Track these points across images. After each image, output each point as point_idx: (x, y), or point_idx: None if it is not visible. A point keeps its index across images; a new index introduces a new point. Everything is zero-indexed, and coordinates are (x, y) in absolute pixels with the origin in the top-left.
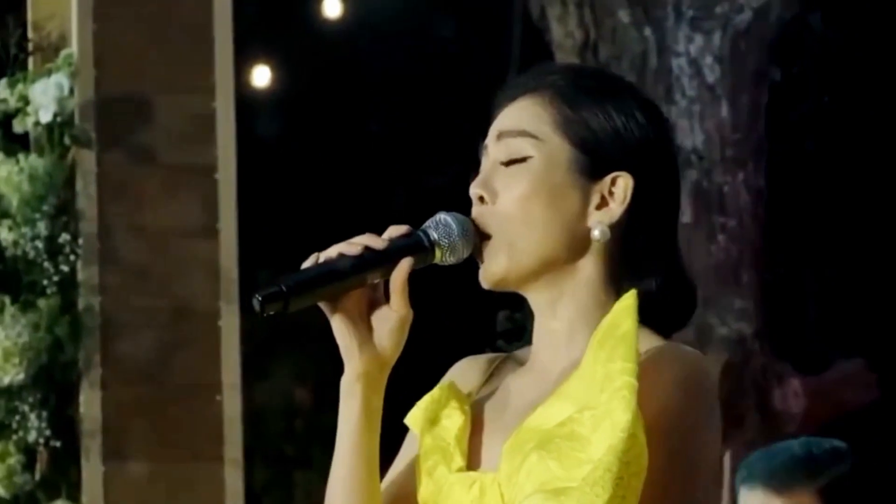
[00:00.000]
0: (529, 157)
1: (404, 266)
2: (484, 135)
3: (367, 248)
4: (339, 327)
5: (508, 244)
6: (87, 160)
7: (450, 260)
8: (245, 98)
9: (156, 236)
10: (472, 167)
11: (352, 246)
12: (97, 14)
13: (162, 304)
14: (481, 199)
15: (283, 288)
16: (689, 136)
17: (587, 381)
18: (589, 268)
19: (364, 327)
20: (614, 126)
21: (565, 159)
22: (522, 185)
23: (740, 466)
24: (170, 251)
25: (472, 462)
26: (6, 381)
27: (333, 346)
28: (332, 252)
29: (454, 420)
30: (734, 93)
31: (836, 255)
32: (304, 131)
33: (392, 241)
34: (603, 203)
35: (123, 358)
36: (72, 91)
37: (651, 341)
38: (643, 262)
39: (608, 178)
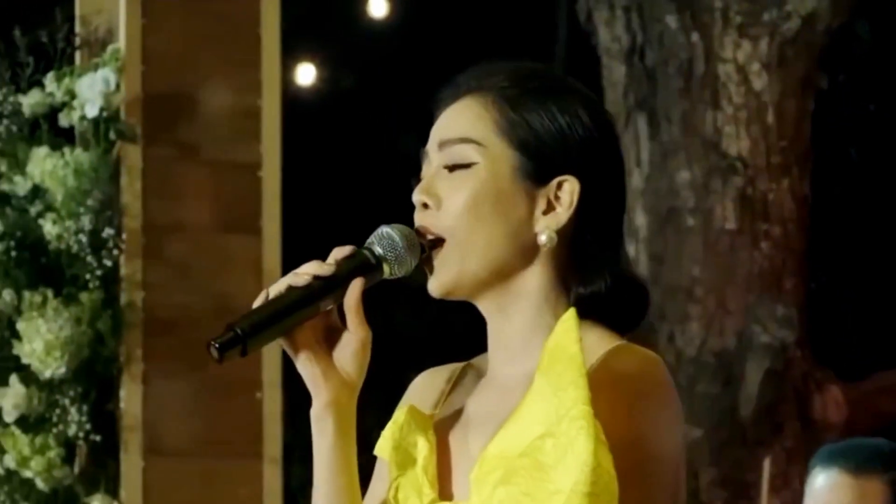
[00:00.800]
0: (474, 163)
1: (355, 288)
2: (425, 141)
3: (315, 277)
4: (301, 360)
5: (457, 251)
6: (132, 155)
7: (399, 273)
8: (290, 96)
9: (199, 232)
10: (413, 174)
11: (299, 277)
12: (145, 9)
13: (204, 301)
14: (425, 205)
15: (239, 332)
16: (735, 142)
17: (543, 403)
18: (538, 273)
19: (325, 356)
20: (559, 128)
21: (510, 165)
22: (467, 192)
23: (819, 451)
24: (213, 247)
25: (443, 491)
26: (47, 374)
27: (376, 344)
28: (280, 286)
29: (420, 448)
30: (781, 100)
31: (879, 264)
32: (349, 129)
33: (338, 264)
34: (549, 208)
35: (165, 353)
36: (118, 86)
37: (606, 342)
38: (592, 265)
39: (554, 183)
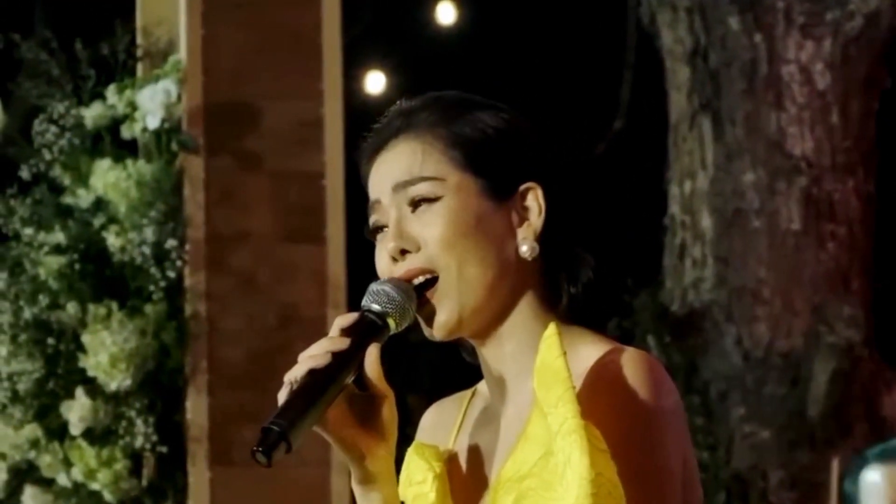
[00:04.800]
0: (439, 196)
1: (374, 354)
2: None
3: (333, 355)
4: (340, 440)
5: (454, 284)
6: (194, 166)
7: (403, 325)
8: (358, 104)
9: (262, 242)
10: (362, 229)
11: (317, 358)
12: (205, 20)
13: (268, 311)
14: (402, 252)
15: (279, 431)
16: (799, 143)
17: (541, 423)
18: (526, 288)
19: (358, 428)
20: (499, 138)
21: (472, 190)
22: (444, 223)
23: (870, 451)
24: (276, 257)
25: None
26: (113, 386)
27: (445, 352)
28: (300, 371)
29: (434, 486)
30: (845, 99)
31: None
32: None
33: (351, 333)
34: (522, 219)
35: (230, 364)
36: (179, 97)
37: (597, 348)
38: (571, 264)
39: (518, 194)
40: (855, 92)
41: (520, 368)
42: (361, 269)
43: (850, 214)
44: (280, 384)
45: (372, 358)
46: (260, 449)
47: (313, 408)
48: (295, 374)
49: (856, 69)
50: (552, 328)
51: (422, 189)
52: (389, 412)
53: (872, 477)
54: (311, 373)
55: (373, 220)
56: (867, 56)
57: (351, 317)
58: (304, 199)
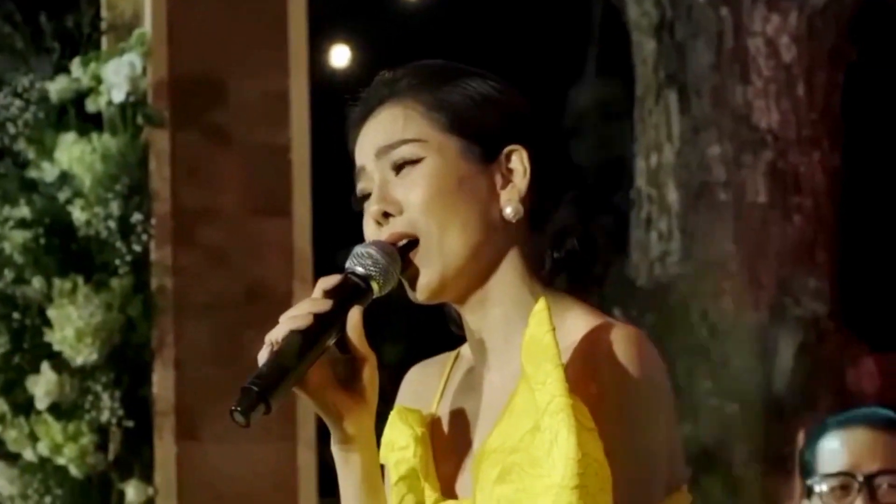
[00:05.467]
0: (421, 158)
1: (356, 317)
2: (350, 164)
3: (315, 316)
4: (320, 402)
5: (435, 247)
6: (160, 140)
7: (386, 289)
8: (323, 78)
9: (229, 216)
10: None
11: (298, 319)
12: None
13: (235, 285)
14: (385, 214)
15: (258, 391)
16: (766, 115)
17: (528, 398)
18: (511, 251)
19: (339, 390)
20: (483, 101)
21: (455, 151)
22: (426, 185)
23: (828, 419)
24: (243, 231)
25: (447, 489)
26: (79, 360)
27: (413, 325)
28: (281, 332)
29: (416, 451)
30: (811, 72)
31: None
32: None
33: (333, 295)
34: (506, 181)
35: (196, 338)
36: (145, 70)
37: (585, 322)
38: (559, 229)
39: (503, 156)
40: (821, 65)
41: (505, 334)
42: (328, 243)
43: (816, 187)
44: (247, 358)
45: (354, 320)
46: (238, 409)
47: (293, 369)
48: (276, 335)
49: (821, 42)
50: (542, 303)
51: (403, 151)
52: (370, 375)
53: (830, 444)
54: (292, 334)
55: (359, 188)
56: (833, 29)
57: (334, 279)
58: (271, 173)
